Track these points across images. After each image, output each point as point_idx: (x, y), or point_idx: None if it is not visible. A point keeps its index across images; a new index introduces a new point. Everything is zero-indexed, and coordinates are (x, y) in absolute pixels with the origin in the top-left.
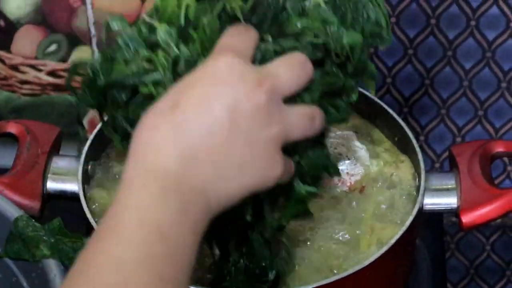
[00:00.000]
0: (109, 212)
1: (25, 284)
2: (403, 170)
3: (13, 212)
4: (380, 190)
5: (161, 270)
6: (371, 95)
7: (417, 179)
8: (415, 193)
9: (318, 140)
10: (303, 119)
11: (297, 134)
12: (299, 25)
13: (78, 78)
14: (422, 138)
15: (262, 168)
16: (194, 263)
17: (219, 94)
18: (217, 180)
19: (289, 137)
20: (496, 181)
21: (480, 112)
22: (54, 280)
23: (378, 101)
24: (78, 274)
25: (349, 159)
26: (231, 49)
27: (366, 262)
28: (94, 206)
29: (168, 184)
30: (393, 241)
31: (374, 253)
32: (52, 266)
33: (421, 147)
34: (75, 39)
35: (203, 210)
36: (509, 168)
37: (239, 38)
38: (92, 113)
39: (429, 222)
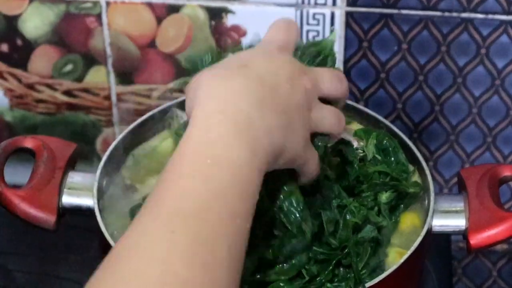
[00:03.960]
0: (179, 150)
1: None
2: None
3: None
4: None
5: (233, 205)
6: (382, 119)
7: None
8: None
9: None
10: (333, 115)
11: (325, 128)
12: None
13: (91, 98)
14: (431, 163)
15: (302, 141)
16: (253, 211)
17: (280, 65)
18: (278, 130)
19: (317, 129)
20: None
21: (489, 139)
22: None
23: (390, 125)
24: (152, 204)
25: None
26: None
27: (372, 282)
28: (107, 222)
29: (240, 123)
30: (401, 261)
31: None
32: None
33: (430, 172)
34: (91, 60)
35: (267, 154)
36: None
37: (285, 33)
38: (105, 133)
39: (437, 246)
